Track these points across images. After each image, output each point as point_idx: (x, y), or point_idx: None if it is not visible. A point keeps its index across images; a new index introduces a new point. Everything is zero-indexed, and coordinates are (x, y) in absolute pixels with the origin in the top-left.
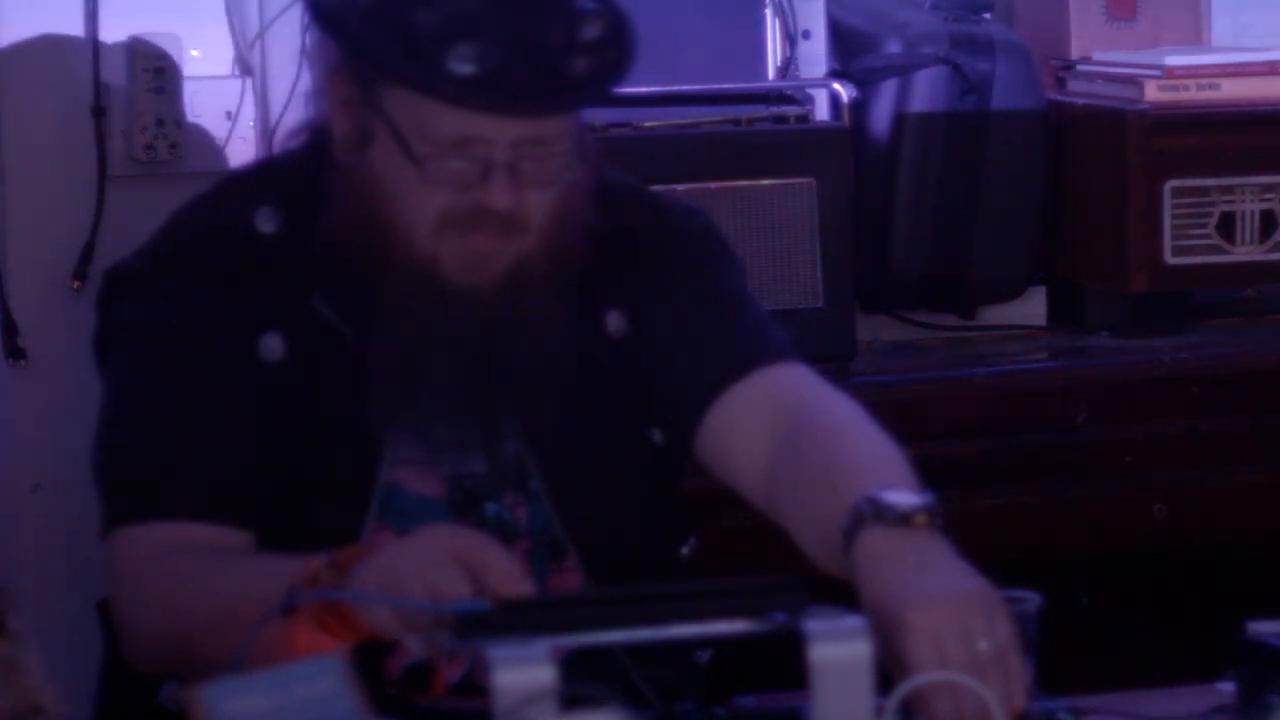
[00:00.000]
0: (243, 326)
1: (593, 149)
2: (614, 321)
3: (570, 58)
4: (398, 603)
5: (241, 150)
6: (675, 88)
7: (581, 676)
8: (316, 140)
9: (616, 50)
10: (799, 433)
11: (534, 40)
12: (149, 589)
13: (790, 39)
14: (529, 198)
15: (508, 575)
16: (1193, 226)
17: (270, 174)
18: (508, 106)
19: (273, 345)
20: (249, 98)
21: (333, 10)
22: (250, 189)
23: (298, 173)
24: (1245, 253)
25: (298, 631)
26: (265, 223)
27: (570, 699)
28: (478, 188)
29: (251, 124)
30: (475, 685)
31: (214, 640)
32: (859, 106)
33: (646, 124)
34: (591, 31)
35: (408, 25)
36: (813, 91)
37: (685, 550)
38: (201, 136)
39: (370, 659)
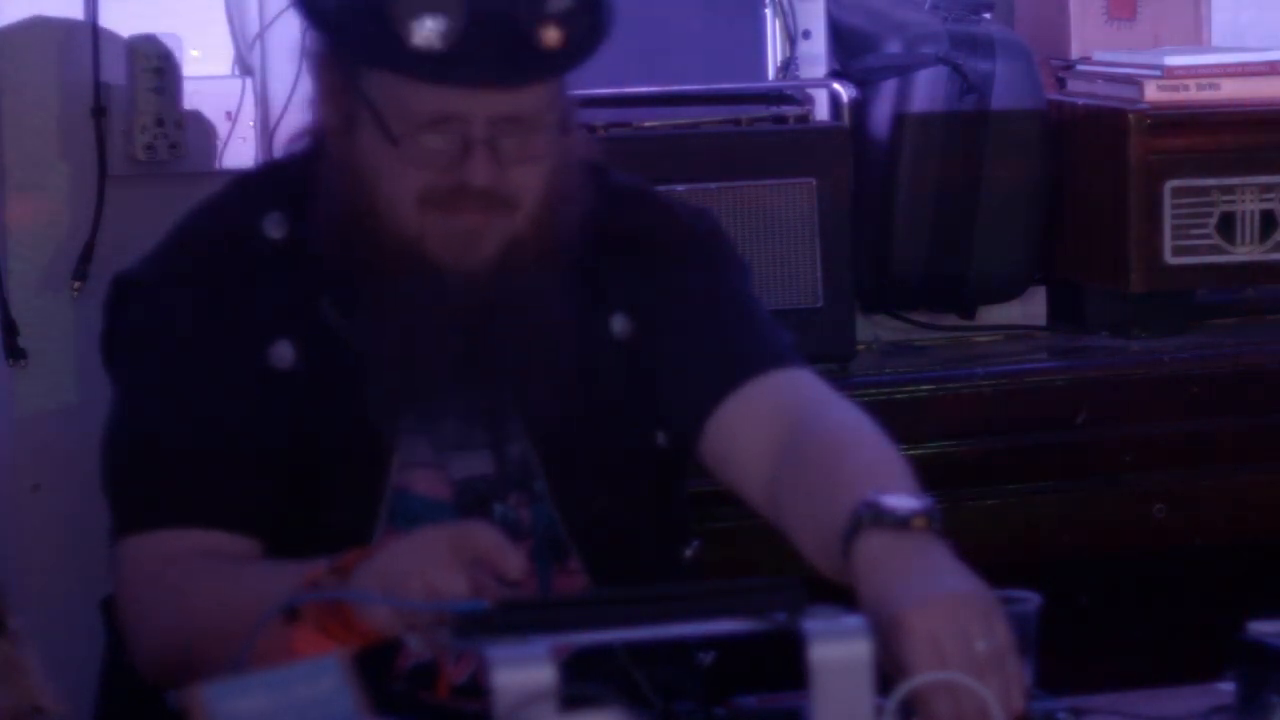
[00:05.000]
0: (253, 333)
1: (587, 137)
2: (620, 323)
3: (539, 28)
4: (394, 602)
5: (241, 150)
6: (675, 88)
7: (585, 677)
8: (318, 143)
9: (588, 19)
10: (801, 438)
11: (501, 12)
12: (157, 597)
13: (790, 39)
14: (513, 174)
15: (500, 553)
16: (1193, 226)
17: (277, 178)
18: (477, 79)
19: (283, 352)
20: (249, 98)
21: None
22: (258, 194)
23: (303, 177)
24: (1245, 253)
25: (300, 637)
26: (274, 229)
27: (570, 699)
28: (458, 166)
29: (251, 124)
30: (480, 686)
31: (220, 648)
32: (859, 106)
33: (646, 124)
34: (561, 2)
35: (378, 7)
36: (813, 91)
37: (688, 553)
38: (201, 137)
39: (378, 656)
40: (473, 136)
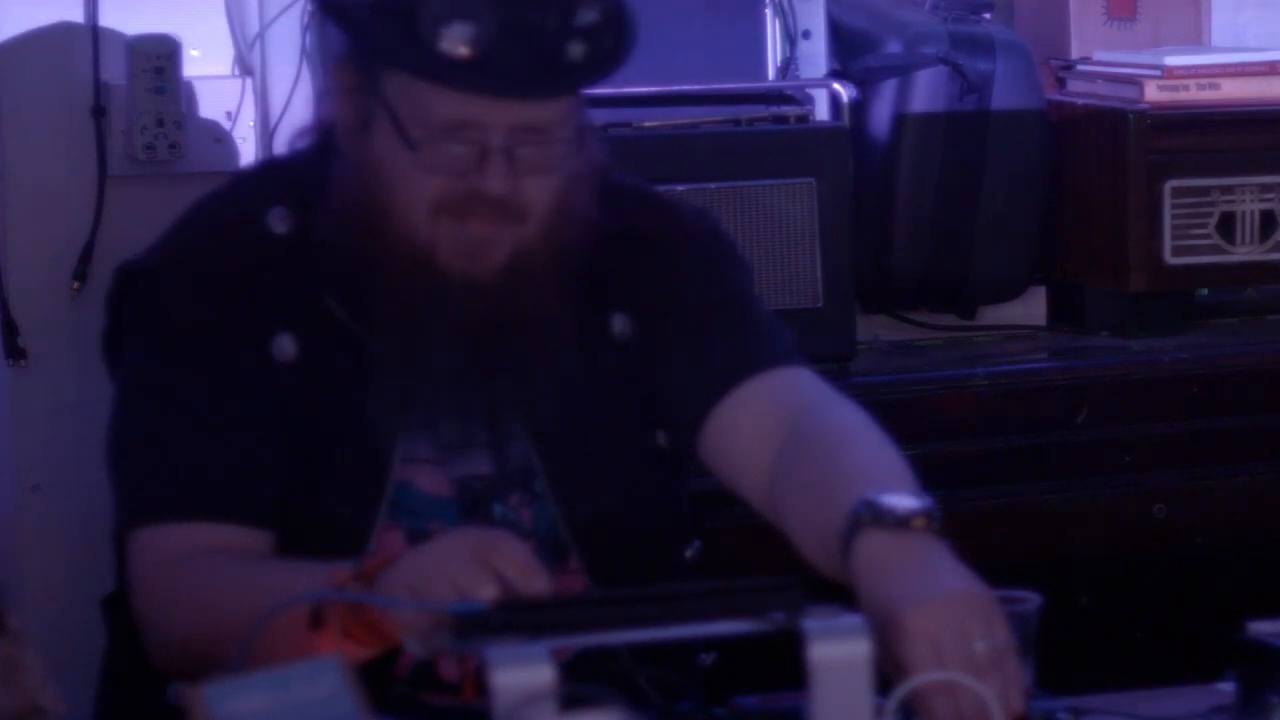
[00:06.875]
0: (256, 326)
1: (598, 147)
2: (620, 324)
3: (566, 42)
4: (391, 602)
5: (241, 150)
6: (675, 88)
7: (587, 677)
8: (325, 140)
9: (614, 37)
10: (801, 437)
11: (529, 24)
12: (175, 593)
13: (790, 39)
14: (527, 185)
15: (522, 568)
16: (1193, 226)
17: (281, 174)
18: (500, 89)
19: (285, 346)
20: (249, 98)
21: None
22: (262, 189)
23: (308, 173)
24: (1245, 253)
25: (325, 642)
26: (278, 223)
27: (570, 699)
28: (474, 173)
29: (251, 124)
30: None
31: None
32: (859, 106)
33: (646, 124)
34: (588, 17)
35: (407, 10)
36: (813, 91)
37: (689, 553)
38: (201, 136)
39: (380, 657)
40: (490, 144)
